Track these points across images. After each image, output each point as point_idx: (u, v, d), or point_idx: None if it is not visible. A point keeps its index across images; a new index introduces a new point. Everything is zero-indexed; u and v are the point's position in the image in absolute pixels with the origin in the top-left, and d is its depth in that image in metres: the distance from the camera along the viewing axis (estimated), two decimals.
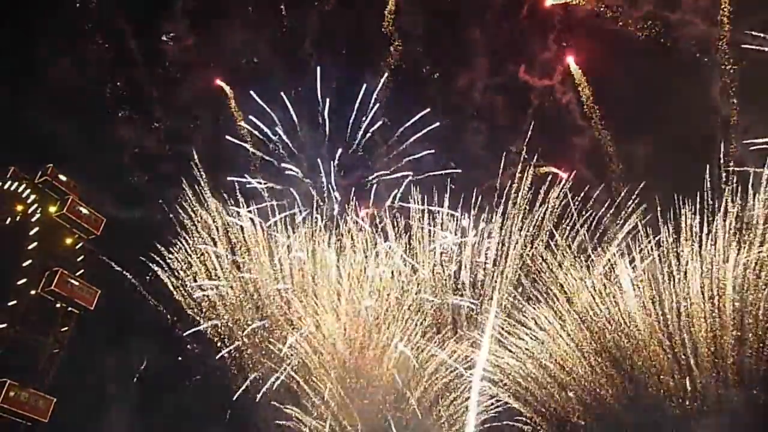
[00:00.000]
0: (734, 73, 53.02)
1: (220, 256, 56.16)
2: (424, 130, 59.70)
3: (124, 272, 57.13)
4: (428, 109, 59.88)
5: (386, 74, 60.41)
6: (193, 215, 56.51)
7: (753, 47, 50.10)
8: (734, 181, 53.82)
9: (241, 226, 56.57)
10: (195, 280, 55.24)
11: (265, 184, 56.69)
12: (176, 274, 55.48)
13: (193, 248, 56.04)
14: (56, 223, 58.40)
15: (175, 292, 55.14)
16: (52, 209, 58.79)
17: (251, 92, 59.56)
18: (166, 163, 58.02)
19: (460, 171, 59.68)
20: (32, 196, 59.45)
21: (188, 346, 54.05)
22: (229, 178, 56.94)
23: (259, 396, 52.54)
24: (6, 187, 59.94)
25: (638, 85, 56.86)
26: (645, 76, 56.98)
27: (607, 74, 57.68)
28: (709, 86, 53.97)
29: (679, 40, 54.12)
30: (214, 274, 56.05)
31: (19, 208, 59.33)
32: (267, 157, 58.42)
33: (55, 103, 58.30)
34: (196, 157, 57.48)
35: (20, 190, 59.84)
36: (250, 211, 56.35)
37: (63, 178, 60.46)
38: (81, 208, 59.55)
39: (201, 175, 57.36)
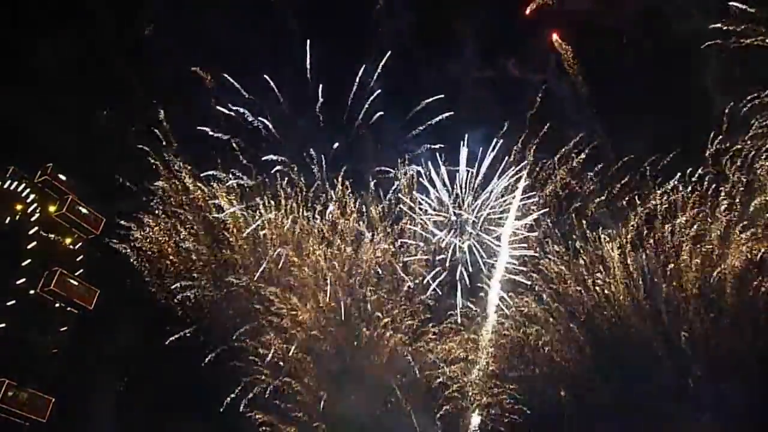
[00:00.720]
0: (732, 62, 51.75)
1: (203, 254, 56.41)
2: (422, 126, 58.81)
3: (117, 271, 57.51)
4: (425, 101, 58.63)
5: (380, 66, 58.97)
6: (178, 211, 56.61)
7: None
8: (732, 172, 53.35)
9: (224, 222, 56.55)
10: (177, 281, 55.58)
11: (256, 179, 56.24)
12: (161, 273, 55.88)
13: (175, 246, 56.28)
14: (56, 222, 59.01)
15: (158, 294, 55.57)
16: (52, 209, 59.38)
17: (243, 84, 58.23)
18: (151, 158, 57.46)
19: (456, 168, 58.59)
20: (32, 196, 59.94)
21: (177, 347, 54.05)
22: (214, 172, 56.51)
23: (246, 399, 53.12)
24: (6, 186, 60.30)
25: (632, 74, 55.73)
26: (640, 66, 55.84)
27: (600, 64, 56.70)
28: (705, 77, 52.83)
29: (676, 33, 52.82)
30: (197, 275, 56.43)
31: (19, 207, 59.72)
32: (257, 151, 57.47)
33: (55, 102, 58.27)
34: (176, 148, 57.12)
35: (20, 189, 60.26)
36: (236, 206, 56.19)
37: (62, 177, 60.95)
38: (80, 208, 60.10)
39: (182, 169, 57.24)
